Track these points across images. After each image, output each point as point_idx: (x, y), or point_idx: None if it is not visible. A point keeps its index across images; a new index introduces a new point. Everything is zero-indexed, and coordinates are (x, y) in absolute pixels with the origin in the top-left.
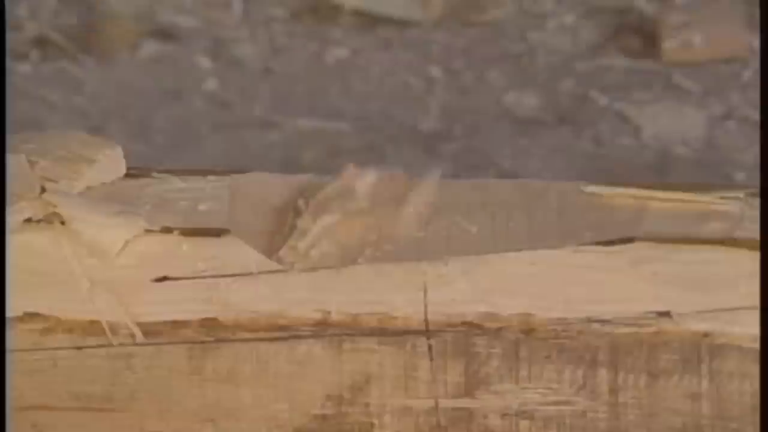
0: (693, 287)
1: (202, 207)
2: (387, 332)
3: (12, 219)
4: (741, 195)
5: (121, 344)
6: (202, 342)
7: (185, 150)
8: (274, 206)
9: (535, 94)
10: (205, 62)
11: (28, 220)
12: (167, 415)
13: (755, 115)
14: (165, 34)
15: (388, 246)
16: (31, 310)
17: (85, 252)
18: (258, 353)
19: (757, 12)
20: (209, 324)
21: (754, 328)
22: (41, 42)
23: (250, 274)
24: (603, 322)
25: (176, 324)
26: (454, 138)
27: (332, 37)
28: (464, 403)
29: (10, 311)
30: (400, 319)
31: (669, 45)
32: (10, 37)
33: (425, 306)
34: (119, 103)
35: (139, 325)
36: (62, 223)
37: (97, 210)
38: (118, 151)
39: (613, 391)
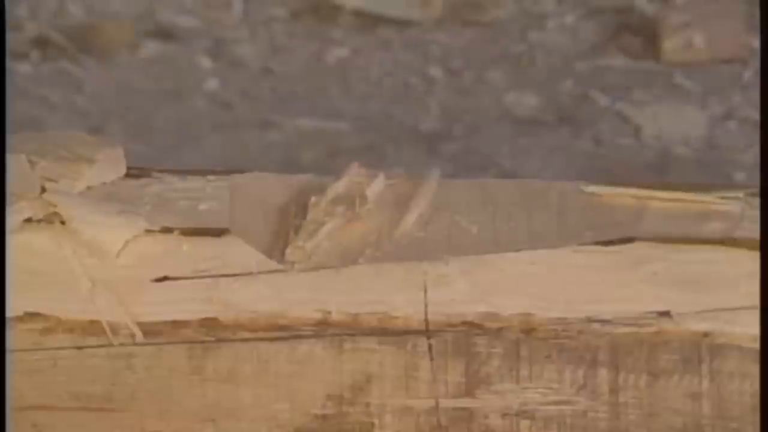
0: (693, 287)
1: (202, 207)
2: (387, 332)
3: (12, 219)
4: (741, 195)
5: (121, 344)
6: (202, 342)
7: (185, 150)
8: (274, 206)
9: (535, 94)
10: (205, 62)
11: (28, 220)
12: (167, 415)
13: (755, 115)
14: (165, 34)
15: (388, 246)
16: (31, 310)
17: (86, 252)
18: (258, 353)
19: (757, 12)
20: (209, 324)
21: (754, 328)
22: (41, 42)
23: (251, 274)
24: (603, 322)
25: (176, 324)
26: (454, 138)
27: (332, 37)
28: (465, 402)
29: (10, 311)
30: (401, 318)
31: (669, 45)
32: (10, 37)
33: (425, 306)
34: (119, 103)
35: (139, 325)
36: (62, 223)
37: (98, 210)
38: (118, 151)
39: (614, 390)
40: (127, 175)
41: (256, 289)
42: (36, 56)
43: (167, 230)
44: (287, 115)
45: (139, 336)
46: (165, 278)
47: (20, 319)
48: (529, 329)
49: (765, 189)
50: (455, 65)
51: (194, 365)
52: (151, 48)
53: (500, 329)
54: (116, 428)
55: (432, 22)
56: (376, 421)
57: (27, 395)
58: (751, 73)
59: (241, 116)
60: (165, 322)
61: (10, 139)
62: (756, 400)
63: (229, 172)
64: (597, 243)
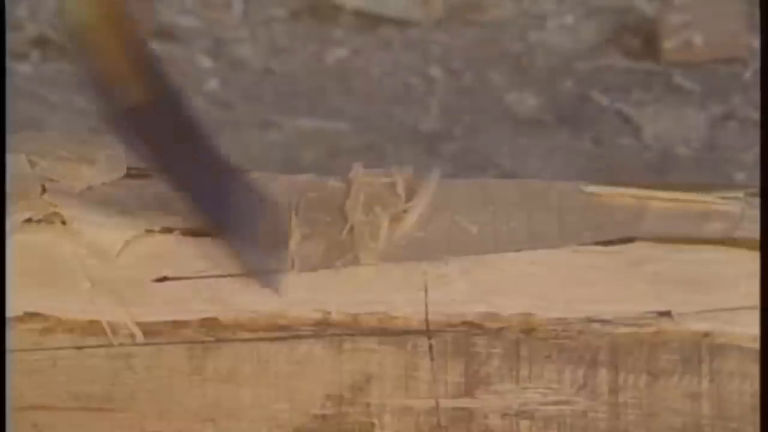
0: (693, 287)
1: None
2: (387, 332)
3: (12, 219)
4: (741, 195)
5: (121, 344)
6: (203, 342)
7: None
8: (275, 206)
9: (535, 94)
10: (205, 62)
11: (28, 220)
12: (167, 415)
13: (755, 115)
14: (165, 34)
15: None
16: (31, 310)
17: (86, 252)
18: (258, 353)
19: (757, 12)
20: (209, 324)
21: (754, 328)
22: (41, 42)
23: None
24: (603, 322)
25: (176, 324)
26: (454, 138)
27: (332, 37)
28: (464, 402)
29: (10, 311)
30: (401, 319)
31: (669, 45)
32: (10, 37)
33: (426, 306)
34: None
35: (139, 325)
36: (62, 223)
37: (98, 210)
38: (118, 151)
39: (614, 390)
40: (127, 175)
41: (255, 289)
42: (36, 56)
43: (167, 230)
44: (287, 115)
45: (139, 336)
46: (165, 278)
47: (20, 319)
48: (529, 329)
49: (765, 189)
50: (455, 65)
51: (194, 365)
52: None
53: (500, 329)
54: (116, 428)
55: (432, 22)
56: (376, 421)
57: (27, 395)
58: (751, 73)
59: (242, 116)
60: (165, 322)
61: (10, 139)
62: (756, 400)
63: None
64: (597, 243)
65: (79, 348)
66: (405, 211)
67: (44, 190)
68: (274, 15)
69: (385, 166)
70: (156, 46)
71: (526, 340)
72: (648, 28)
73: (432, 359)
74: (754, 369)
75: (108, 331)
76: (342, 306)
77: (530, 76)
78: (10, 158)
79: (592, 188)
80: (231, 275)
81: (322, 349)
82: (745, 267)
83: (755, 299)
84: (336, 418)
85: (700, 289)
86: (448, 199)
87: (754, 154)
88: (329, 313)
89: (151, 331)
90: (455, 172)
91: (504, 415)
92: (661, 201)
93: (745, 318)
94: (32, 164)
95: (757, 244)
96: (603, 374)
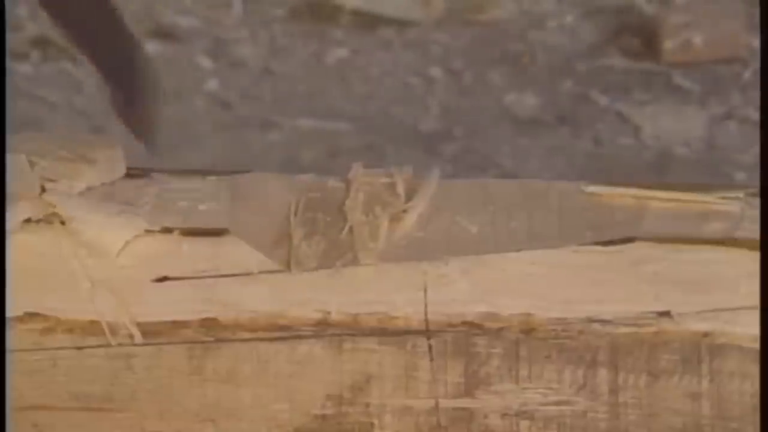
0: (693, 287)
1: (202, 207)
2: (387, 332)
3: (12, 219)
4: (741, 195)
5: (120, 344)
6: (202, 342)
7: (185, 150)
8: (274, 206)
9: (535, 94)
10: (205, 62)
11: (28, 220)
12: (167, 415)
13: (755, 115)
14: (165, 34)
15: (388, 246)
16: (31, 310)
17: (85, 252)
18: (258, 353)
19: (757, 12)
20: (209, 324)
21: (754, 328)
22: (41, 42)
23: (250, 274)
24: (603, 322)
25: (176, 324)
26: (455, 138)
27: (332, 37)
28: (464, 403)
29: (10, 311)
30: (401, 319)
31: (669, 45)
32: (10, 37)
33: (425, 306)
34: None
35: (139, 325)
36: (62, 223)
37: (97, 210)
38: (118, 151)
39: (614, 391)
40: (127, 175)
41: (255, 289)
42: (36, 56)
43: (167, 230)
44: (287, 115)
45: (139, 336)
46: (165, 278)
47: (20, 319)
48: (528, 329)
49: (765, 189)
50: (455, 65)
51: (194, 365)
52: (151, 48)
53: (500, 329)
54: (116, 428)
55: (432, 22)
56: (376, 422)
57: (27, 395)
58: (751, 73)
59: (242, 116)
60: (165, 323)
61: (10, 139)
62: (756, 400)
63: (229, 172)
64: (597, 243)
65: (79, 348)
66: (405, 211)
67: (44, 190)
68: (274, 15)
69: (384, 166)
70: (156, 46)
71: (526, 340)
72: (648, 28)
73: (432, 359)
74: (755, 369)
75: (107, 331)
76: (342, 306)
77: (530, 76)
78: (10, 158)
79: (592, 188)
80: (231, 275)
81: (322, 349)
82: (745, 267)
83: (755, 299)
84: (336, 418)
85: (700, 289)
86: (448, 199)
87: (753, 154)
88: (329, 313)
89: (150, 331)
90: (455, 173)
91: (504, 416)
92: (661, 201)
93: (746, 318)
94: (32, 164)
95: (757, 244)
96: (603, 374)
